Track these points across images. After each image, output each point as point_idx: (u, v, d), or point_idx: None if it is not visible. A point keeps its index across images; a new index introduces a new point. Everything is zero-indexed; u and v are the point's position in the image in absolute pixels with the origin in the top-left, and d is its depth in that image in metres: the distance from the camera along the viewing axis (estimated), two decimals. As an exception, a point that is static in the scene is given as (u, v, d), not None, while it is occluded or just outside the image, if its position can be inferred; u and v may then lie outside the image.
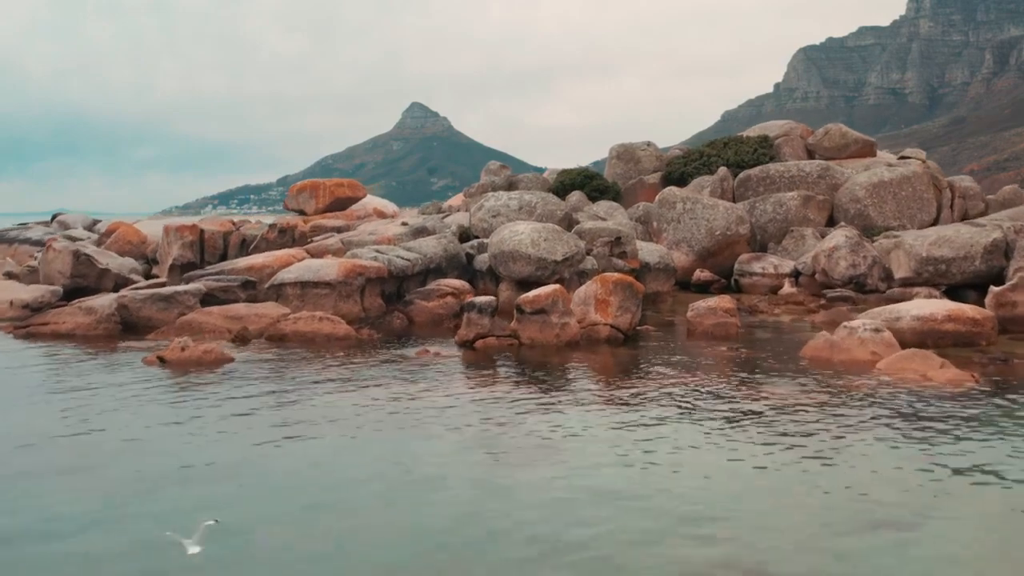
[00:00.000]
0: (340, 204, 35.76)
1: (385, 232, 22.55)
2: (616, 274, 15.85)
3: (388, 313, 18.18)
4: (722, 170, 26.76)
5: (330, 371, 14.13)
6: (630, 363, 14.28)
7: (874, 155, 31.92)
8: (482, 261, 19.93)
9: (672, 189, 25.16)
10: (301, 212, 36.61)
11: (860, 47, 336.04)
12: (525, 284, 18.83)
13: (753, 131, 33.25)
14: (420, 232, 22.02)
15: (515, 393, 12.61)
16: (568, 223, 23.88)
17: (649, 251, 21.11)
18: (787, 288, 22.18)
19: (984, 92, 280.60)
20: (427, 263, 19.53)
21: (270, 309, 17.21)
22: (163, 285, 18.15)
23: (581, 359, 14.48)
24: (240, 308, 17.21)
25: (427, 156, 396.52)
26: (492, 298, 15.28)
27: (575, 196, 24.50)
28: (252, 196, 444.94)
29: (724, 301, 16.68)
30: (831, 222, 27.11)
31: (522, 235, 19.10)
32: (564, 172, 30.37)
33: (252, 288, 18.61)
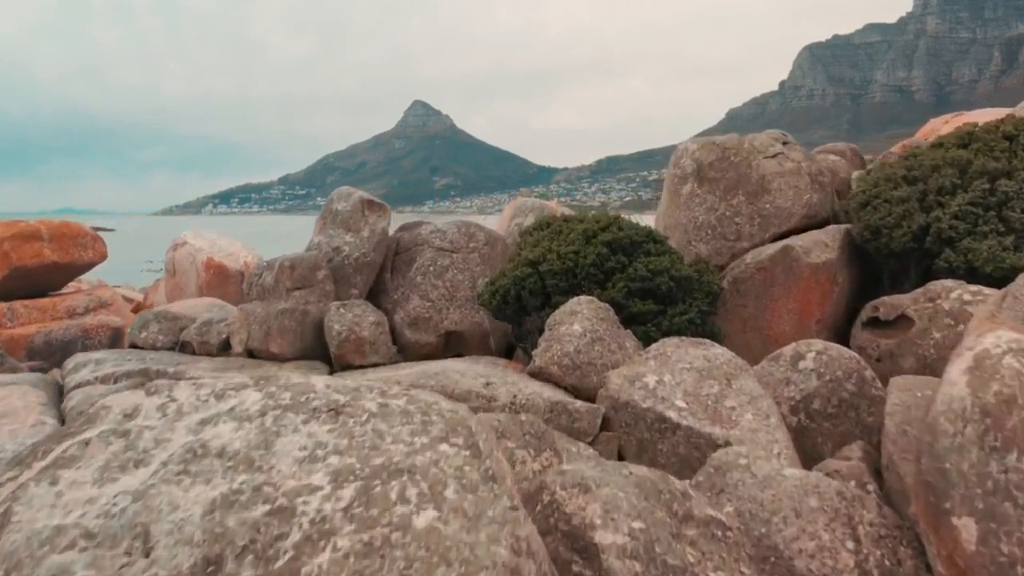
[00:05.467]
0: (36, 278, 13.93)
1: None
2: None
3: None
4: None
5: None
6: None
7: None
8: None
9: None
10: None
11: (866, 44, 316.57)
12: None
13: None
14: None
15: None
16: None
17: None
18: None
19: (993, 90, 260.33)
20: None
21: None
22: None
23: None
24: None
25: (429, 155, 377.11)
26: None
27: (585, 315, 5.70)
28: (253, 195, 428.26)
29: None
30: None
31: None
32: (542, 231, 6.75)
33: None
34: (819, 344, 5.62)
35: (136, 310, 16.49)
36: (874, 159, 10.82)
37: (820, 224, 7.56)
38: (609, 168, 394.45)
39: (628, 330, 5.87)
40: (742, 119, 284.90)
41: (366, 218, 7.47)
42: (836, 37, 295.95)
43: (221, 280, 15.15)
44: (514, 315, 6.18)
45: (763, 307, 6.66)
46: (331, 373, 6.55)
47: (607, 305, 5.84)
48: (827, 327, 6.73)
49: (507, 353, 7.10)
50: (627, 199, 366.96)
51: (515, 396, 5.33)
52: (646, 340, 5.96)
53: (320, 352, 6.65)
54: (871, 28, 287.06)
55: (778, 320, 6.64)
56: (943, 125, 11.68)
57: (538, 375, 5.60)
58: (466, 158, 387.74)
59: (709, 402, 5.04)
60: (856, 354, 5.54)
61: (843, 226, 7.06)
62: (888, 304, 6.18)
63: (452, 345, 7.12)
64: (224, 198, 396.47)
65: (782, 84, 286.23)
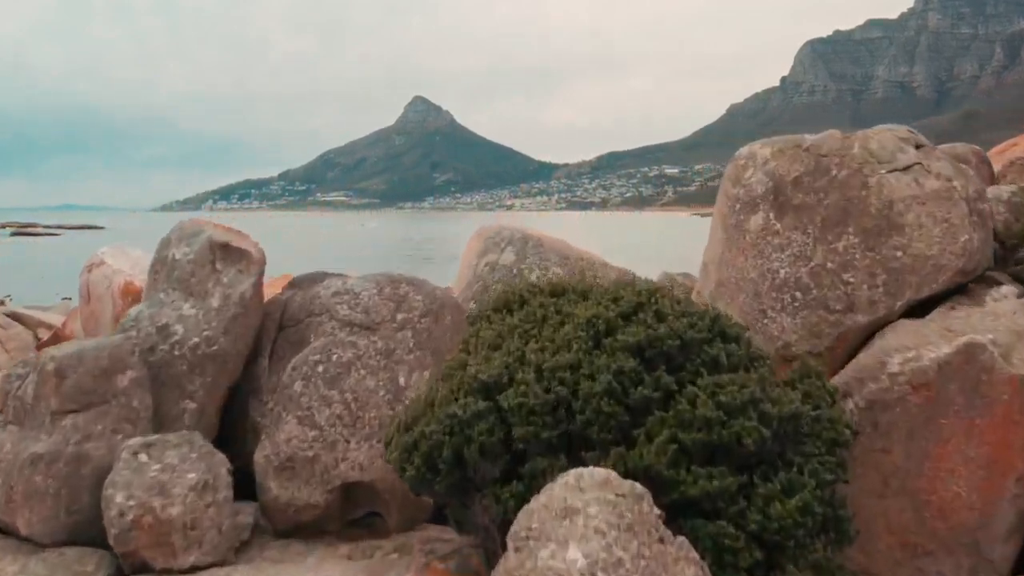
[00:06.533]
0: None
1: None
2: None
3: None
4: None
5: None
6: None
7: None
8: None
9: None
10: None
11: (867, 40, 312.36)
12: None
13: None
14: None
15: None
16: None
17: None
18: None
19: (995, 86, 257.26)
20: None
21: None
22: None
23: None
24: None
25: (430, 151, 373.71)
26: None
27: None
28: (253, 191, 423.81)
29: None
30: None
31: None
32: (508, 316, 3.38)
33: None
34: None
35: (48, 343, 13.39)
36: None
37: (977, 283, 4.46)
38: (610, 164, 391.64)
39: (681, 536, 2.80)
40: (743, 115, 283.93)
41: (217, 275, 4.35)
42: (837, 33, 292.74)
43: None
44: (452, 491, 3.09)
45: (921, 453, 3.57)
46: (115, 579, 3.46)
47: (637, 488, 2.76)
48: (1033, 486, 3.66)
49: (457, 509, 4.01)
50: (628, 195, 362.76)
51: None
52: (719, 555, 2.88)
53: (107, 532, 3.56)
54: (872, 24, 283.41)
55: (949, 476, 3.55)
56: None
57: (491, 658, 2.52)
58: (466, 154, 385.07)
59: None
60: None
61: (1048, 295, 3.95)
62: None
63: (355, 503, 4.03)
64: (224, 194, 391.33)
65: (783, 80, 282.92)
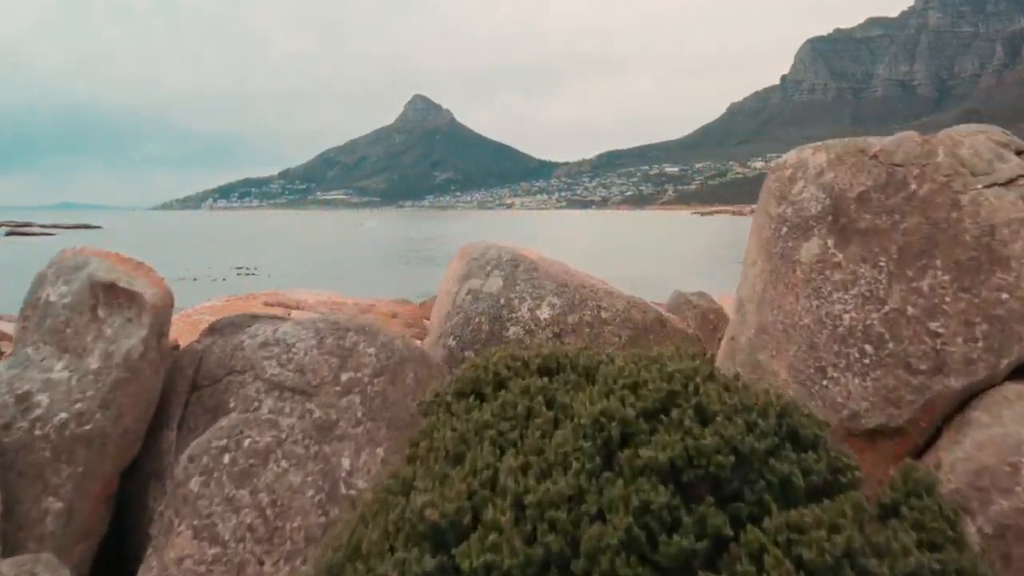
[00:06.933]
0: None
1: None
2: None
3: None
4: None
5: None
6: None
7: None
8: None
9: None
10: None
11: (868, 39, 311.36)
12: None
13: None
14: None
15: None
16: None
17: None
18: None
19: (995, 84, 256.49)
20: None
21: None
22: None
23: None
24: None
25: (430, 150, 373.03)
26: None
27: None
28: (253, 189, 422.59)
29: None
30: None
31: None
32: (477, 411, 2.76)
33: None
34: None
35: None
36: None
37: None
38: (610, 163, 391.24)
39: None
40: (743, 113, 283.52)
41: (99, 324, 3.26)
42: (837, 31, 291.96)
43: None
44: None
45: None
46: None
47: None
48: None
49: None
50: (628, 194, 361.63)
51: None
52: None
53: None
54: (873, 22, 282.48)
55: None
56: None
57: None
58: (466, 153, 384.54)
59: None
60: None
61: None
62: None
63: (274, 645, 2.96)
64: (224, 192, 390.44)
65: (784, 79, 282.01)
